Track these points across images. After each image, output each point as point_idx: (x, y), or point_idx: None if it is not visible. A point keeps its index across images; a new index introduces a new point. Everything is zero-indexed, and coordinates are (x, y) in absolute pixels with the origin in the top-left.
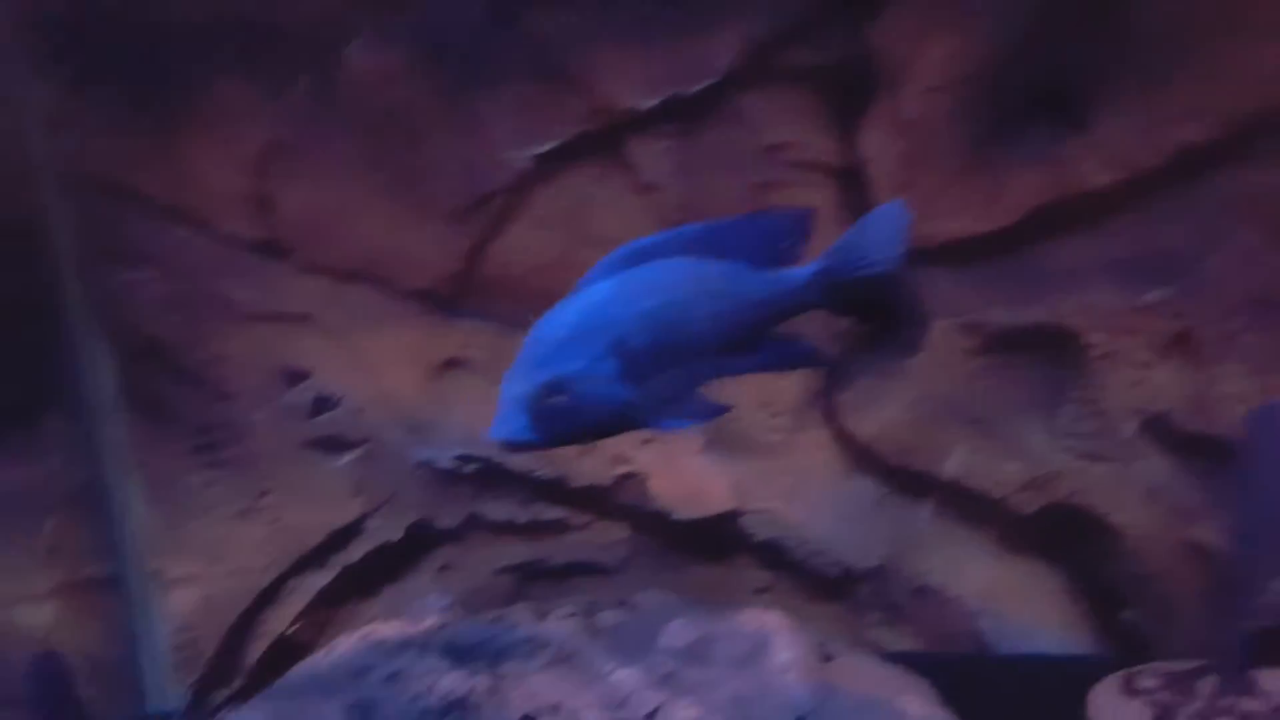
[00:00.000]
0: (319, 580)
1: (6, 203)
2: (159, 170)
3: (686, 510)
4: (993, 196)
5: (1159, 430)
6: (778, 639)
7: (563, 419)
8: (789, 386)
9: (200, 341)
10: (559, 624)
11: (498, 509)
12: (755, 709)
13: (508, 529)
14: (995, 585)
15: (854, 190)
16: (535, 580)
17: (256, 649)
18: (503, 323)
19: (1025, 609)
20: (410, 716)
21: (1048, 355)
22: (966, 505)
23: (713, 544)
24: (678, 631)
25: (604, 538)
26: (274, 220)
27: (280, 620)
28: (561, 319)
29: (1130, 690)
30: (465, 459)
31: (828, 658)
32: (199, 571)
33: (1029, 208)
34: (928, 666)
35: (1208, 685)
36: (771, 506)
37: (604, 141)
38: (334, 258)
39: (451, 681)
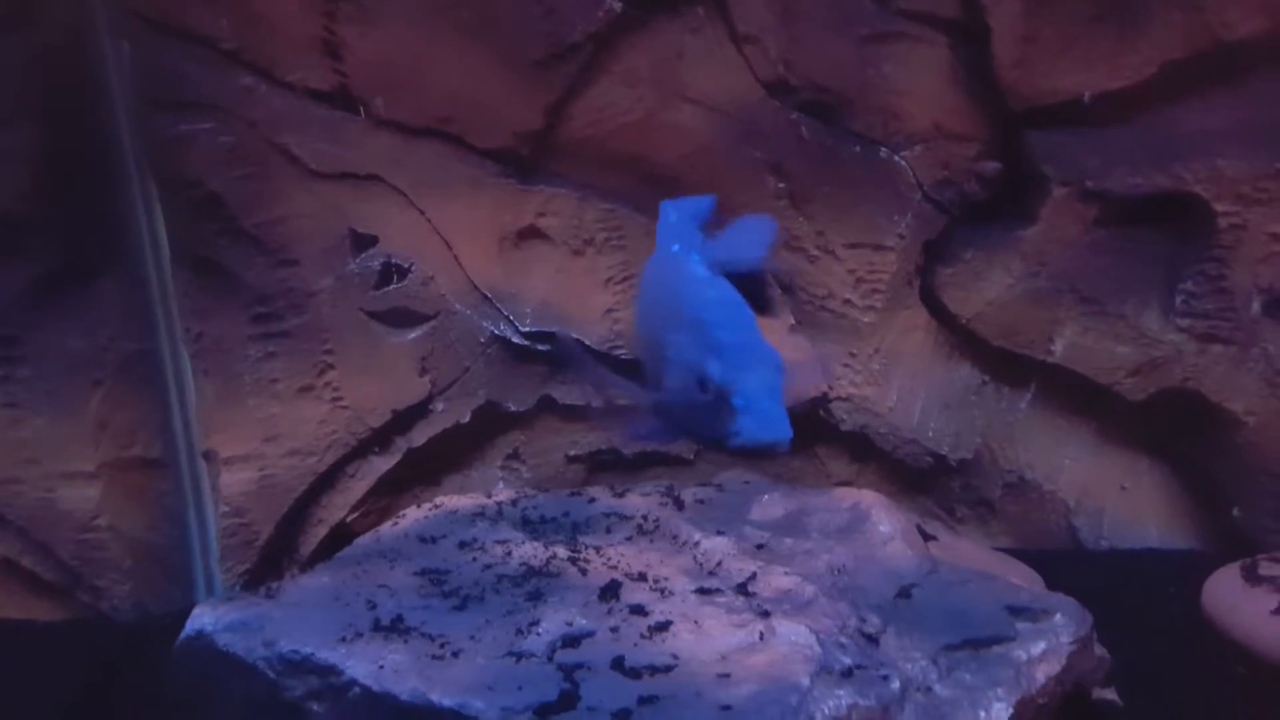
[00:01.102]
0: (381, 465)
1: (59, 45)
2: (221, 9)
3: None
4: (1124, 49)
5: None
6: (876, 513)
7: None
8: (885, 261)
9: (262, 201)
10: (640, 500)
11: (571, 392)
12: (858, 578)
13: (581, 414)
14: (1094, 479)
15: (969, 47)
16: (608, 470)
17: (313, 538)
18: (585, 188)
19: (1124, 505)
20: (486, 583)
21: (1170, 227)
22: (1070, 392)
23: (795, 433)
24: (770, 505)
25: None
26: (343, 68)
27: (339, 507)
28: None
29: (1253, 578)
30: (539, 336)
31: (927, 538)
32: (254, 451)
33: (1163, 61)
34: (1023, 560)
35: None
36: (861, 392)
37: None
38: (406, 111)
39: (529, 550)
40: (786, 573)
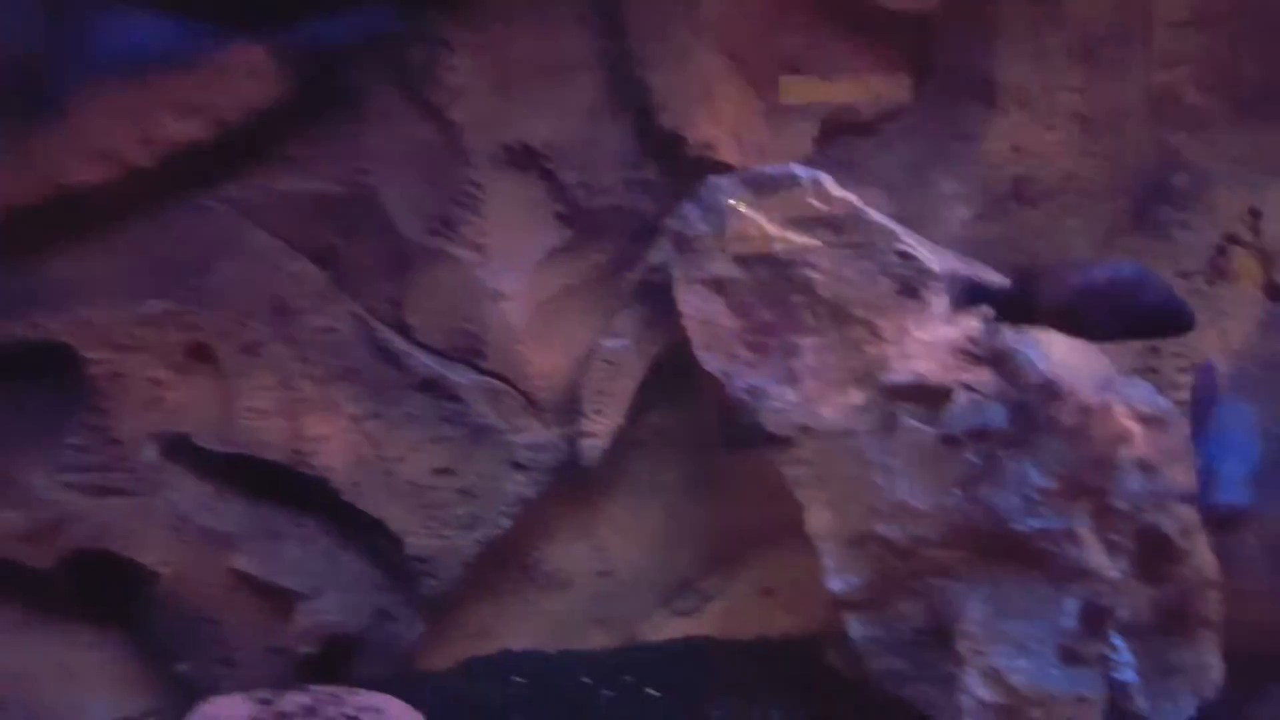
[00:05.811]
0: None
1: None
2: None
3: None
4: None
5: (185, 453)
6: None
7: None
8: None
9: None
10: None
11: None
12: None
13: None
14: (31, 664)
15: None
16: None
17: None
18: None
19: (70, 683)
20: None
21: (48, 380)
22: None
23: None
24: None
25: None
26: None
27: None
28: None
29: None
30: None
31: None
32: None
33: (8, 206)
34: None
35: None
36: None
37: None
38: None
39: None
40: None
